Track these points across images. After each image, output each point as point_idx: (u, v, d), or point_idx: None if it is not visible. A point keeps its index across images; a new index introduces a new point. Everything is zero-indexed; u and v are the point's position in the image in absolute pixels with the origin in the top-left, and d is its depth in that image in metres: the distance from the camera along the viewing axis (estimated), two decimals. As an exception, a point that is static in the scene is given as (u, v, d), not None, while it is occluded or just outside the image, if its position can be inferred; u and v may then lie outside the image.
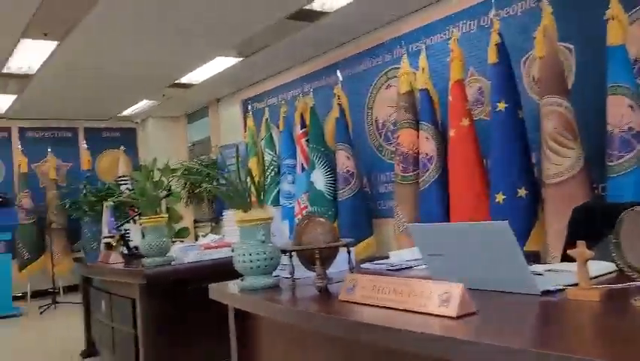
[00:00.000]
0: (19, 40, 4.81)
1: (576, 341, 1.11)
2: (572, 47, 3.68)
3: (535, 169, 3.63)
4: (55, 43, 4.99)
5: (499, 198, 3.56)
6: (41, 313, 6.64)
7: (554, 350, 0.99)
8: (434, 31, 4.65)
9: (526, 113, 3.71)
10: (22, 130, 8.23)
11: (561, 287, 1.44)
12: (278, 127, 6.15)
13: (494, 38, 3.65)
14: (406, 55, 4.51)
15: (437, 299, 1.33)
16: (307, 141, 5.49)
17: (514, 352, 1.04)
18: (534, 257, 2.21)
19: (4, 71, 5.67)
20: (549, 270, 1.75)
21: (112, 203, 4.38)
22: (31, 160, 8.04)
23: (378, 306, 1.48)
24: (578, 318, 1.27)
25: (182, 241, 4.60)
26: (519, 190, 3.52)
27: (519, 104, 3.63)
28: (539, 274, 1.63)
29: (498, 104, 3.60)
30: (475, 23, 4.30)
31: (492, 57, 3.65)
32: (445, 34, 4.54)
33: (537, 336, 1.23)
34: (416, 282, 1.43)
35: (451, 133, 3.93)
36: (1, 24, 4.43)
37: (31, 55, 5.28)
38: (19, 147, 8.02)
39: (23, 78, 6.02)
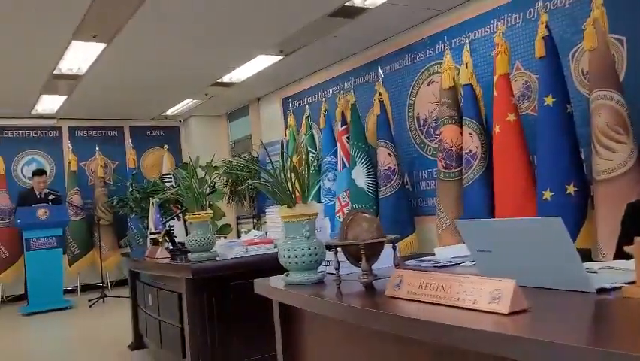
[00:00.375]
0: (70, 42, 4.97)
1: (634, 340, 1.08)
2: (623, 38, 3.55)
3: (585, 165, 3.53)
4: (104, 44, 5.13)
5: (547, 195, 3.48)
6: (90, 306, 6.85)
7: (611, 347, 0.96)
8: (478, 25, 4.57)
9: (575, 108, 3.62)
10: (71, 129, 8.51)
11: (617, 285, 1.40)
12: (318, 124, 6.16)
13: (541, 31, 3.56)
14: (448, 50, 4.45)
15: (488, 296, 1.30)
16: (348, 138, 5.48)
17: (570, 349, 1.01)
18: (585, 255, 2.15)
19: (56, 72, 5.86)
20: (603, 268, 1.70)
21: (158, 200, 4.48)
22: (80, 158, 8.31)
23: (425, 302, 1.47)
24: (636, 316, 1.23)
25: (226, 237, 4.66)
26: (567, 187, 3.43)
27: (568, 99, 3.53)
28: (593, 272, 1.59)
29: (546, 98, 3.51)
30: (521, 16, 4.21)
31: (539, 50, 3.56)
32: (489, 27, 4.46)
33: (593, 334, 1.19)
34: (466, 278, 1.41)
35: (496, 129, 3.86)
36: (54, 26, 4.59)
37: (80, 56, 5.45)
38: (69, 145, 8.29)
39: (73, 79, 6.22)
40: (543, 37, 3.56)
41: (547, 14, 3.61)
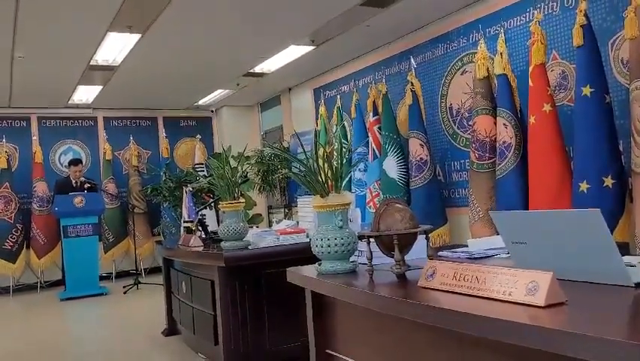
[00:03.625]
0: (106, 34, 5.06)
1: (676, 335, 1.05)
2: (666, 26, 3.43)
3: (623, 157, 3.44)
4: (138, 35, 5.21)
5: (583, 187, 3.40)
6: (125, 292, 7.02)
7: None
8: (513, 14, 4.48)
9: (614, 98, 3.53)
10: (106, 119, 8.68)
11: (658, 279, 1.37)
12: (350, 115, 6.15)
13: (580, 19, 3.47)
14: (483, 39, 4.38)
15: (524, 288, 1.29)
16: (379, 128, 5.46)
17: (608, 343, 1.00)
18: (622, 249, 2.11)
19: (92, 63, 5.98)
20: (642, 262, 1.66)
21: (191, 189, 4.54)
22: (114, 148, 8.48)
23: (459, 294, 1.47)
24: (678, 312, 1.21)
25: (258, 227, 4.71)
26: (605, 179, 3.35)
27: (606, 89, 3.44)
28: (632, 266, 1.56)
29: (583, 88, 3.42)
30: (558, 4, 4.11)
31: (577, 39, 3.47)
32: (525, 16, 4.37)
33: (632, 328, 1.17)
34: (501, 270, 1.40)
35: (531, 120, 3.78)
36: (91, 18, 4.67)
37: (116, 47, 5.55)
38: (104, 135, 8.47)
39: (108, 70, 6.34)
40: (581, 26, 3.46)
41: (586, 1, 3.50)
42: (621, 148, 3.46)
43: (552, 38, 4.09)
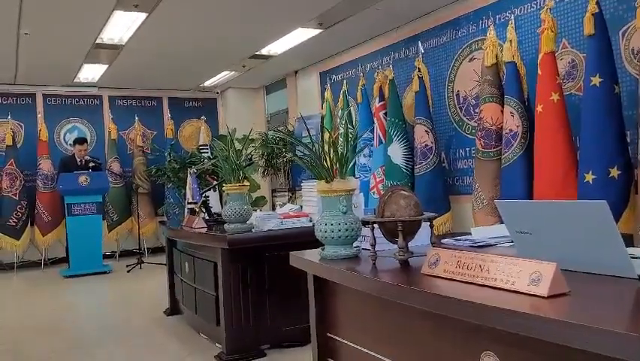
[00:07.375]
0: (112, 12, 5.03)
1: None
2: (679, 16, 3.38)
3: (630, 148, 3.42)
4: (145, 14, 5.17)
5: (589, 177, 3.39)
6: (128, 271, 7.06)
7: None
8: (524, 1, 4.42)
9: (623, 89, 3.49)
10: (112, 99, 8.66)
11: (662, 272, 1.36)
12: (356, 99, 6.12)
13: (591, 7, 3.42)
14: (492, 26, 4.33)
15: (527, 278, 1.29)
16: (385, 114, 5.43)
17: (609, 334, 1.00)
18: (627, 241, 2.10)
19: (98, 41, 5.95)
20: (647, 254, 1.66)
21: (195, 171, 4.54)
22: (120, 127, 8.47)
23: (462, 282, 1.47)
24: (681, 305, 1.21)
25: (261, 210, 4.72)
26: (611, 170, 3.33)
27: (616, 79, 3.40)
28: (636, 258, 1.55)
29: (592, 78, 3.39)
30: (570, -8, 4.06)
31: (588, 28, 3.43)
32: (536, 3, 4.32)
33: (633, 320, 1.17)
34: (504, 259, 1.40)
35: (539, 108, 3.76)
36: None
37: (122, 26, 5.51)
38: (110, 114, 8.46)
39: (114, 49, 6.31)
40: (593, 14, 3.42)
41: (598, -10, 3.46)
42: (628, 139, 3.44)
43: (563, 26, 4.04)
